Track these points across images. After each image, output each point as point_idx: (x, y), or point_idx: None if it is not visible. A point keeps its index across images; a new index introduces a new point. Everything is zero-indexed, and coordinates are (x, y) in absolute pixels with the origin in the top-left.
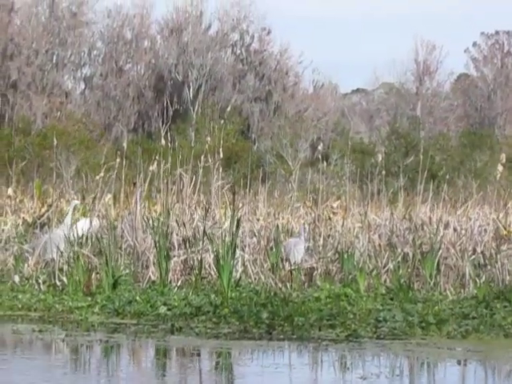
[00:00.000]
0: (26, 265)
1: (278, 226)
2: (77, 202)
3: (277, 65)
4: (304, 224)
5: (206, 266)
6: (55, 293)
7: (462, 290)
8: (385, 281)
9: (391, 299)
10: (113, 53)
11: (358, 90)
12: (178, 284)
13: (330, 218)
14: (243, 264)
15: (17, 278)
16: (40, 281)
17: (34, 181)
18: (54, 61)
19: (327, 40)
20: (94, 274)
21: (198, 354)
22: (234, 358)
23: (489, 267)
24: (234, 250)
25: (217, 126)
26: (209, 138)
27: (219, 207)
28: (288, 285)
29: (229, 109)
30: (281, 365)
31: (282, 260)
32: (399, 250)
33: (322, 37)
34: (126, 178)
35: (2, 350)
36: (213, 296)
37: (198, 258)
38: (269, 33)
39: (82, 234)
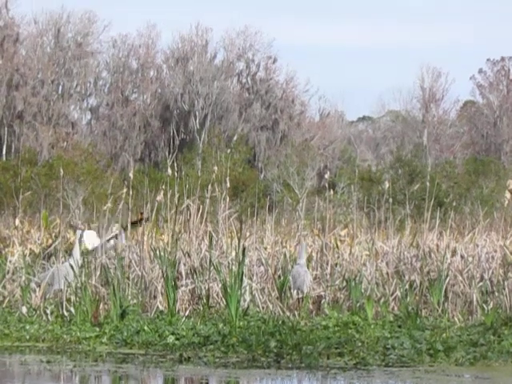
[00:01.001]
0: (33, 296)
1: (285, 254)
2: (80, 231)
3: (283, 93)
4: (303, 241)
5: (214, 296)
6: (63, 323)
7: (470, 317)
8: (392, 308)
9: (399, 327)
10: (119, 83)
11: (364, 118)
12: (186, 313)
13: (337, 246)
14: (251, 293)
15: (24, 309)
16: (48, 311)
17: (41, 211)
18: (60, 91)
19: (333, 68)
20: (101, 305)
21: None
22: None
23: (496, 294)
24: (241, 279)
25: (223, 155)
26: (215, 168)
27: (226, 236)
28: (296, 313)
29: (235, 138)
30: None
31: (289, 288)
32: (407, 277)
33: (327, 65)
34: (132, 207)
35: (11, 382)
36: (221, 325)
37: (205, 288)
38: (274, 61)
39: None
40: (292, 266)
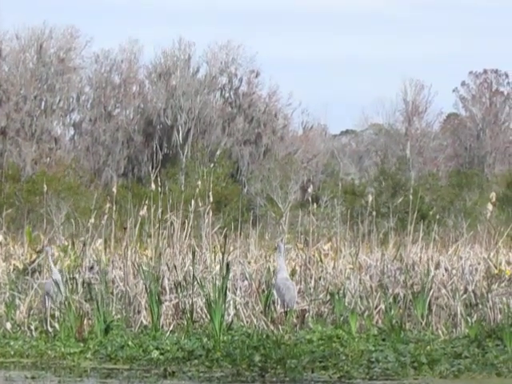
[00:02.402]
0: (17, 311)
1: (269, 268)
2: (48, 248)
3: (266, 107)
4: (281, 240)
5: (198, 310)
6: (47, 339)
7: (454, 330)
8: (376, 322)
9: (383, 340)
10: (101, 98)
11: (347, 131)
12: (170, 328)
13: (321, 260)
14: (235, 307)
15: (9, 325)
16: (32, 327)
17: (25, 227)
18: (43, 107)
19: (315, 81)
20: (85, 320)
21: None
22: None
23: (480, 306)
24: (225, 294)
25: (206, 170)
26: (199, 182)
27: (210, 251)
28: (280, 327)
29: (218, 152)
30: None
31: (273, 302)
32: (390, 290)
33: (310, 78)
34: (116, 222)
35: None
36: (205, 340)
37: (189, 302)
38: (257, 75)
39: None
40: (274, 275)
